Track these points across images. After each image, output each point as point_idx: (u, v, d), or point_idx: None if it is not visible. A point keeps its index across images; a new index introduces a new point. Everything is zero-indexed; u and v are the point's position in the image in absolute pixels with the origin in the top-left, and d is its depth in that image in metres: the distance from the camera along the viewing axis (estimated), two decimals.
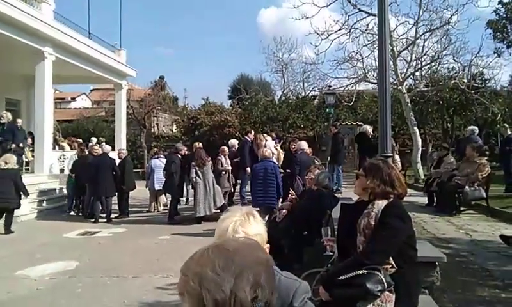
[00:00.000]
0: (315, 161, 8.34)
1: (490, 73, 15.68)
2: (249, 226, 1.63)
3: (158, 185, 11.10)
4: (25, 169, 13.39)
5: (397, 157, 10.11)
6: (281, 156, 10.35)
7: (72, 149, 15.04)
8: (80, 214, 11.04)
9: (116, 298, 4.94)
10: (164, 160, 11.08)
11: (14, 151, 11.29)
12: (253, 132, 11.82)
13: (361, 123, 19.31)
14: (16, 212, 9.77)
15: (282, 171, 8.70)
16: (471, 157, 9.01)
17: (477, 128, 12.00)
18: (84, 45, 14.42)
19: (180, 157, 10.33)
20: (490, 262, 5.51)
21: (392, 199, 2.71)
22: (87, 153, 11.58)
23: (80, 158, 11.47)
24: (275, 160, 8.90)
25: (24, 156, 13.55)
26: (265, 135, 11.43)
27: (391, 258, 2.60)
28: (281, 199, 7.67)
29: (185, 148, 11.23)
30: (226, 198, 10.33)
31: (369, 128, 11.10)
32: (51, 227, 9.55)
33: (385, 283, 2.49)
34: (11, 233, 8.56)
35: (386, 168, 2.79)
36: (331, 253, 3.55)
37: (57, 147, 15.16)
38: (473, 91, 15.12)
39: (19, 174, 9.08)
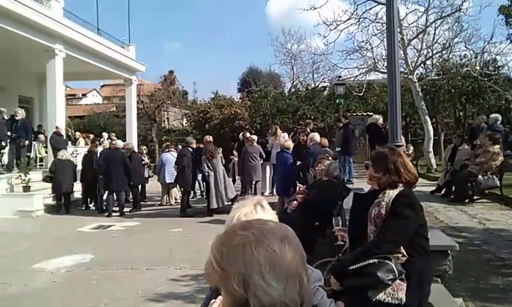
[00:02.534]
0: (327, 154, 8.32)
1: (503, 59, 15.42)
2: (254, 216, 1.64)
3: (169, 179, 11.21)
4: (39, 165, 13.61)
5: (411, 147, 10.03)
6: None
7: (86, 144, 15.27)
8: (89, 208, 11.22)
9: (130, 289, 5.02)
10: (175, 154, 11.17)
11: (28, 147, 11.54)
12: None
13: (371, 114, 19.17)
14: (32, 207, 10.12)
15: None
16: (484, 145, 8.88)
17: (500, 116, 11.58)
18: (94, 42, 14.52)
19: (191, 150, 10.40)
20: (504, 250, 5.45)
21: (402, 188, 2.69)
22: (101, 148, 11.73)
23: (88, 154, 11.64)
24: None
25: (37, 152, 13.80)
26: (277, 127, 11.60)
27: (402, 247, 2.60)
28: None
29: (195, 141, 11.31)
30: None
31: (380, 118, 10.99)
32: (65, 221, 9.71)
33: (396, 272, 2.49)
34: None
35: (392, 156, 2.74)
36: (342, 243, 3.55)
37: (70, 142, 15.37)
38: (486, 79, 14.85)
39: (74, 163, 11.59)
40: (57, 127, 12.82)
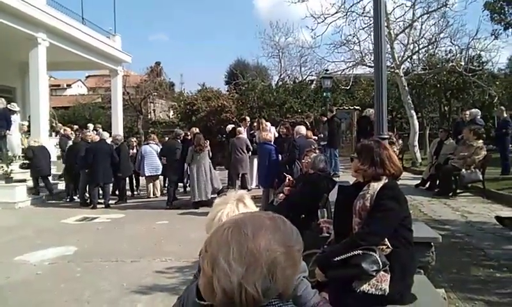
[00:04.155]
0: (312, 146, 8.36)
1: (488, 55, 15.63)
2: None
3: (148, 171, 11.13)
4: (22, 156, 13.35)
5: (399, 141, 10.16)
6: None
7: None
8: (73, 200, 11.06)
9: (115, 281, 4.98)
10: (155, 147, 11.10)
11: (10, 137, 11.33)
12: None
13: (358, 108, 19.29)
14: (14, 199, 9.97)
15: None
16: (468, 139, 9.02)
17: (479, 111, 11.83)
18: (78, 31, 14.25)
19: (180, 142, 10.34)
20: (485, 243, 5.57)
21: (386, 180, 2.71)
22: (80, 139, 11.58)
23: (73, 145, 11.47)
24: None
25: (20, 143, 13.52)
26: (262, 120, 11.61)
27: (386, 239, 2.62)
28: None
29: (183, 133, 11.23)
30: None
31: (373, 113, 11.05)
32: (49, 213, 9.57)
33: (380, 263, 2.51)
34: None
35: (378, 149, 2.77)
36: (327, 234, 3.57)
37: (53, 134, 15.10)
38: (470, 74, 15.04)
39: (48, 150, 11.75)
40: (65, 130, 12.79)
